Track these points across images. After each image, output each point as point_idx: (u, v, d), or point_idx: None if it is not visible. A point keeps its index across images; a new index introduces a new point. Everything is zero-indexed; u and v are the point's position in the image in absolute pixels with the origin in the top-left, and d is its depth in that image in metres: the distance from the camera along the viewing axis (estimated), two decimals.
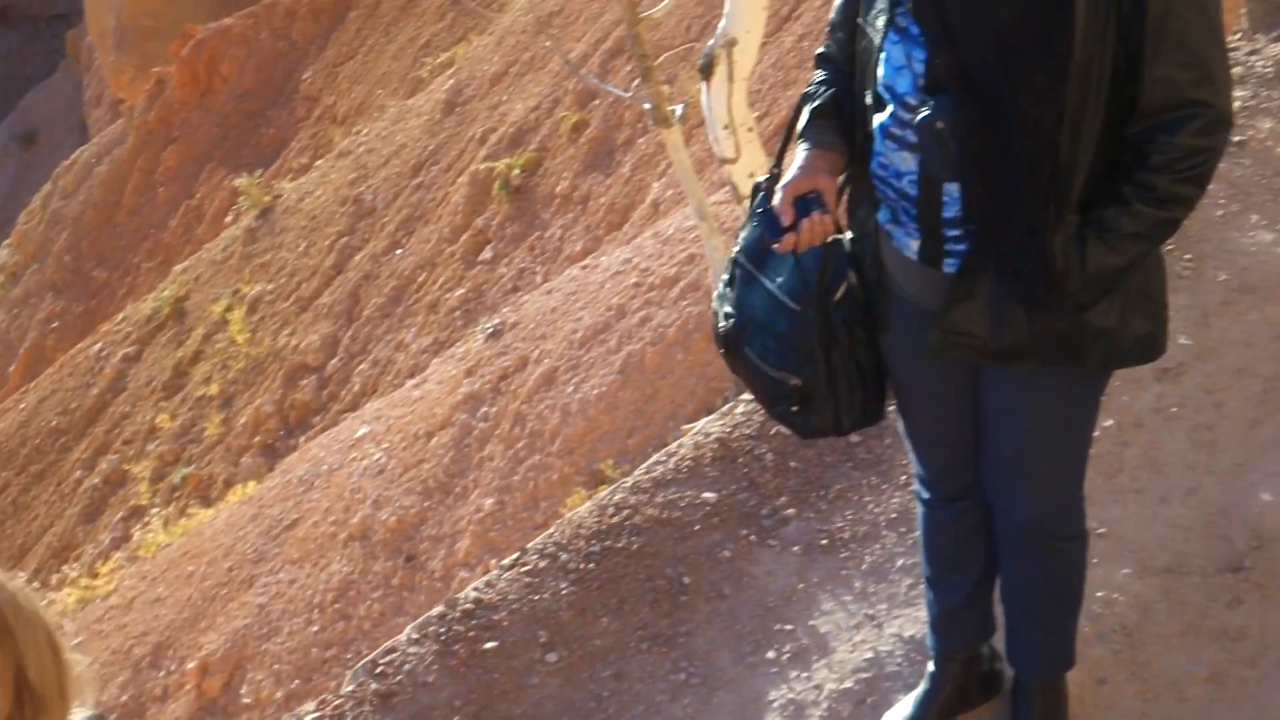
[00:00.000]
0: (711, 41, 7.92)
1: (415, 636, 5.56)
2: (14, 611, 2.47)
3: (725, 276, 4.00)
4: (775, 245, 3.57)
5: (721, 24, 7.86)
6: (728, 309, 3.97)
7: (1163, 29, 3.24)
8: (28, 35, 52.28)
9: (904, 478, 5.61)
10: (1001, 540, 4.21)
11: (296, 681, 12.43)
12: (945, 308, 3.59)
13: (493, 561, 11.06)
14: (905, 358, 3.91)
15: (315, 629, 12.75)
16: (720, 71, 7.82)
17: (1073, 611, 4.32)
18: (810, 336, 3.80)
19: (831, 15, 3.85)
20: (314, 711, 5.43)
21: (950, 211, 3.51)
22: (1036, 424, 3.88)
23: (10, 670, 2.47)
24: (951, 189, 3.49)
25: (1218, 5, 3.32)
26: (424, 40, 28.58)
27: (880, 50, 3.53)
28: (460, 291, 18.87)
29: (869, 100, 3.60)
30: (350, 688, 5.47)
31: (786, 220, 3.53)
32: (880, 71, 3.54)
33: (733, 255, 3.98)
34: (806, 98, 3.82)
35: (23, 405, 26.13)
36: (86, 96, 43.18)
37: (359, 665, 5.60)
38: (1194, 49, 3.28)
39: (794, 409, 3.95)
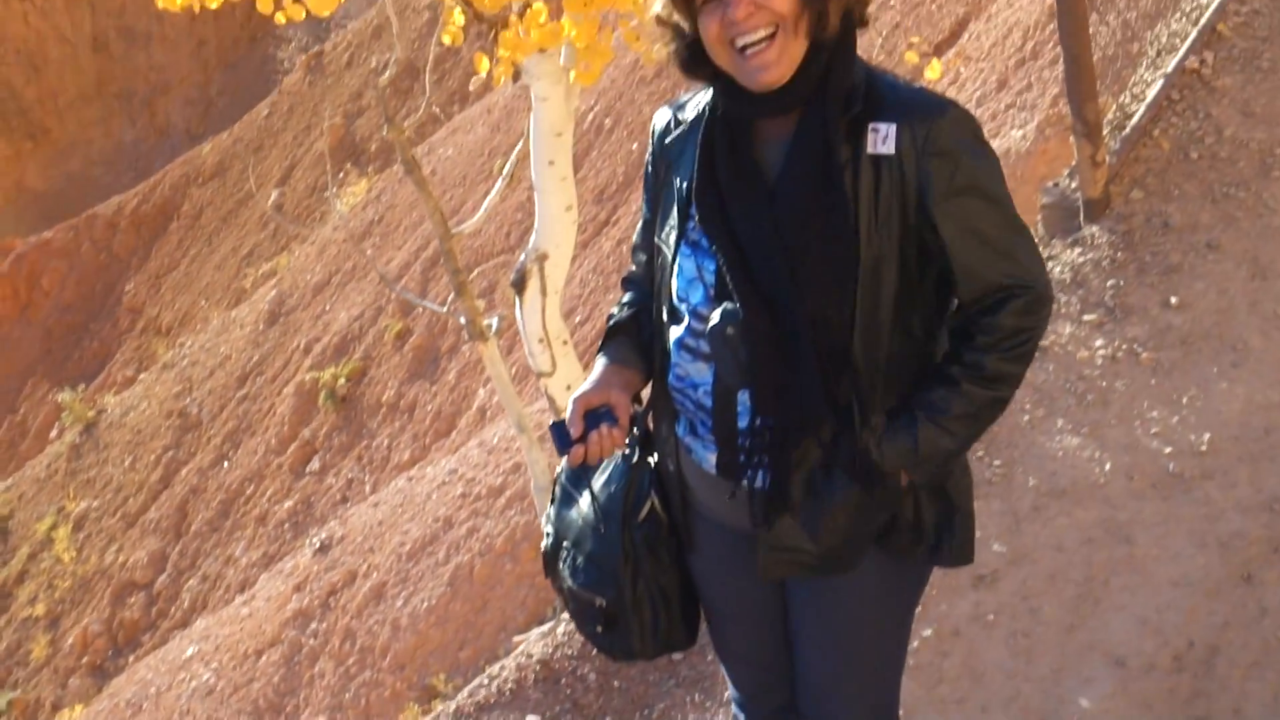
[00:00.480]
0: (523, 256, 7.95)
1: None
2: None
3: (553, 494, 4.00)
4: (564, 458, 3.57)
5: (533, 238, 7.89)
6: (549, 527, 3.96)
7: (963, 231, 3.32)
8: None
9: (728, 694, 5.58)
10: None
11: None
12: (765, 527, 3.58)
13: None
14: (713, 578, 3.90)
15: None
16: (533, 285, 7.83)
17: None
18: (614, 558, 3.79)
19: (634, 238, 3.89)
20: None
21: (745, 420, 3.52)
22: (848, 641, 3.86)
23: None
24: (744, 397, 3.50)
25: (1005, 192, 3.38)
26: (246, 250, 28.56)
27: (673, 264, 3.56)
28: (289, 503, 18.72)
29: (665, 316, 3.63)
30: None
31: (575, 433, 3.53)
32: (674, 285, 3.57)
33: (557, 473, 3.98)
34: (610, 319, 3.86)
35: None
36: None
37: None
38: (996, 241, 3.35)
39: (599, 629, 3.93)
